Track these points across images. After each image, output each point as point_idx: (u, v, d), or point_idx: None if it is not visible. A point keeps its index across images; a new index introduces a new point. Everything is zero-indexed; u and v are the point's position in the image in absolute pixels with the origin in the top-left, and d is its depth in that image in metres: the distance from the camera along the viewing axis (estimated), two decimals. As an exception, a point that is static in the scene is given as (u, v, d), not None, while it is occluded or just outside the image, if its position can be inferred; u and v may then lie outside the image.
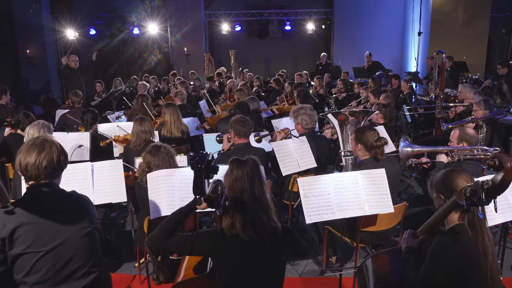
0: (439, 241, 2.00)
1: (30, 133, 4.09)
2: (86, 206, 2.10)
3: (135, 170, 3.89)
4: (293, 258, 4.01)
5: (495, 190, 1.75)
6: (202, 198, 2.09)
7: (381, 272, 2.29)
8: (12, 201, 2.04)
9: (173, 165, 3.47)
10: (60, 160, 2.00)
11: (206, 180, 2.02)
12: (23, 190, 3.38)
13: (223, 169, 2.19)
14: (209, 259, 2.38)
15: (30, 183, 1.99)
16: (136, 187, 3.53)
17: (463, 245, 1.94)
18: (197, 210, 2.22)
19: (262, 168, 2.27)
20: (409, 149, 3.79)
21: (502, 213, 2.93)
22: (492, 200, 1.80)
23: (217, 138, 4.59)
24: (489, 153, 3.62)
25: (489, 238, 1.98)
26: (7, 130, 5.15)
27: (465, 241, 1.95)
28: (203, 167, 1.99)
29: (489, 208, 2.88)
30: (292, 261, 3.99)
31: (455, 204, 1.91)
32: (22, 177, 2.05)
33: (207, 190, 2.03)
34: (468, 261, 1.93)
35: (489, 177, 1.80)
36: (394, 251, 2.34)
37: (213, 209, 2.21)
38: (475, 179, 2.02)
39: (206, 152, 2.07)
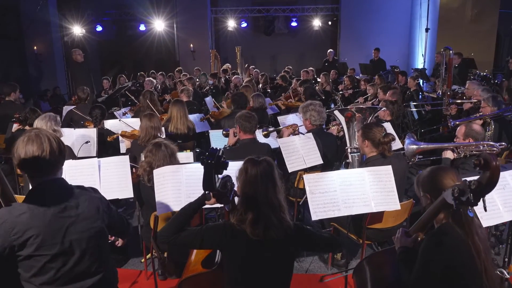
0: (427, 242, 1.96)
1: (39, 126, 4.12)
2: (96, 203, 2.02)
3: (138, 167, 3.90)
4: (299, 254, 4.00)
5: (483, 189, 1.72)
6: (211, 194, 2.10)
7: (378, 275, 2.26)
8: (22, 197, 2.01)
9: (174, 162, 3.45)
10: (61, 148, 1.93)
11: (215, 176, 2.03)
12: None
13: (231, 165, 2.19)
14: (217, 254, 2.39)
15: (36, 179, 1.91)
16: (140, 184, 3.55)
17: (451, 244, 1.91)
18: (206, 206, 2.23)
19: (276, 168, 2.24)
20: (415, 146, 3.77)
21: (509, 210, 2.91)
22: (481, 199, 1.76)
23: (224, 132, 4.59)
24: (495, 148, 3.60)
25: (479, 236, 1.93)
26: (15, 126, 5.19)
27: (453, 240, 1.91)
28: (213, 163, 2.00)
29: (497, 206, 2.89)
30: (297, 257, 3.98)
31: (444, 203, 1.88)
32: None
33: (217, 185, 2.04)
34: (459, 258, 1.90)
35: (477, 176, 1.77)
36: (389, 251, 2.31)
37: (222, 205, 2.22)
38: (463, 178, 1.98)
39: (216, 148, 2.07)
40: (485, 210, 1.78)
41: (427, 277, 1.92)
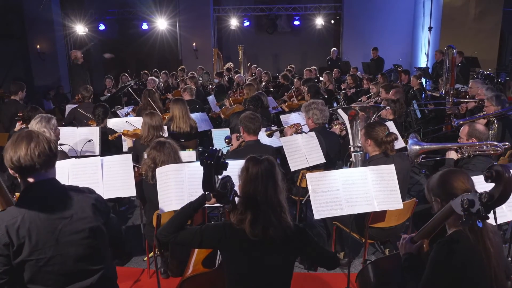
0: (438, 251, 1.92)
1: (34, 128, 4.10)
2: (90, 202, 1.96)
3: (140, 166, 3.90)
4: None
5: (494, 203, 1.68)
6: (211, 194, 2.10)
7: (382, 280, 2.25)
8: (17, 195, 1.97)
9: (178, 160, 3.47)
10: (51, 147, 1.88)
11: (215, 176, 2.02)
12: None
13: (232, 165, 2.18)
14: (218, 254, 2.39)
15: (28, 179, 1.85)
16: (143, 183, 3.55)
17: (463, 254, 1.87)
18: (206, 205, 2.22)
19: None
20: (418, 146, 3.76)
21: (513, 210, 2.90)
22: (491, 212, 1.71)
23: (226, 140, 4.59)
24: (498, 148, 3.60)
25: (491, 240, 1.89)
26: (18, 125, 5.21)
27: (464, 249, 1.88)
28: (212, 163, 1.99)
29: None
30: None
31: (451, 211, 1.83)
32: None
33: (217, 186, 2.03)
34: (470, 268, 1.87)
35: (490, 186, 1.70)
36: (393, 257, 2.29)
37: (222, 205, 2.21)
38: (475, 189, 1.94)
39: (216, 148, 2.07)
40: (496, 222, 1.75)
41: (436, 284, 1.89)
